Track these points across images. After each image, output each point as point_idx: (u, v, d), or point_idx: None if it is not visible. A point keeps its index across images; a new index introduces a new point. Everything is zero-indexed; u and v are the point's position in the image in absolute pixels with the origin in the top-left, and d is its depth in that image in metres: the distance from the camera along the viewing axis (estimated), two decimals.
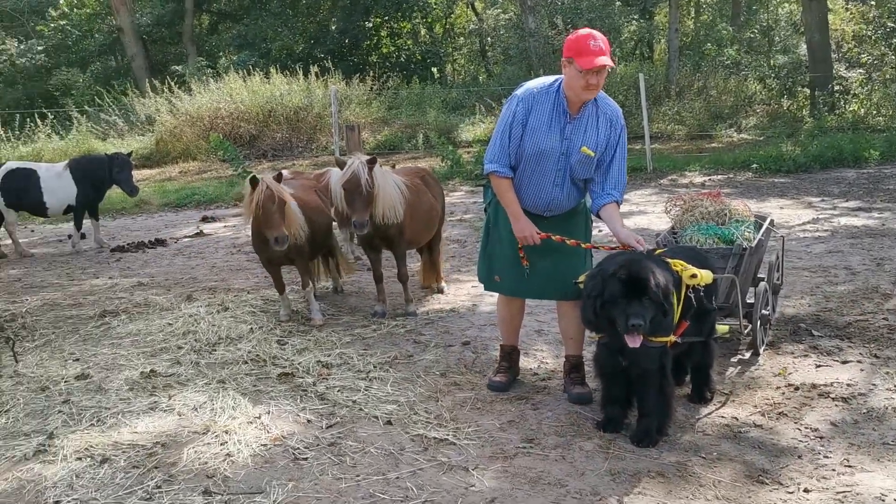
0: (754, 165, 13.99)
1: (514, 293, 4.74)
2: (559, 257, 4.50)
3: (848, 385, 4.66)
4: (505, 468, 3.84)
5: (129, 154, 10.86)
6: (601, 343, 4.21)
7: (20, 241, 10.39)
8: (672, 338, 4.06)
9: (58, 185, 9.96)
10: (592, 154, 4.34)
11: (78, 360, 5.64)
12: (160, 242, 10.46)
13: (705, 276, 4.17)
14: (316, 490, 3.70)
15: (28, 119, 20.31)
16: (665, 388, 4.06)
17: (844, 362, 5.01)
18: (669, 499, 3.51)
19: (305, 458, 4.02)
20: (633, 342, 3.82)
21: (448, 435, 4.21)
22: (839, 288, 6.61)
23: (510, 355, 4.96)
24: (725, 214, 5.43)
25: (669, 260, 4.19)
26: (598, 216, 4.48)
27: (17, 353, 5.70)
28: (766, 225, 5.47)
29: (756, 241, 5.14)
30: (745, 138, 18.26)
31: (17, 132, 20.12)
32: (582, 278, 4.27)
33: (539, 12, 24.19)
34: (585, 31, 4.25)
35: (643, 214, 10.45)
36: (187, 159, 19.59)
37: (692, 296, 4.17)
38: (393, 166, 7.16)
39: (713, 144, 17.76)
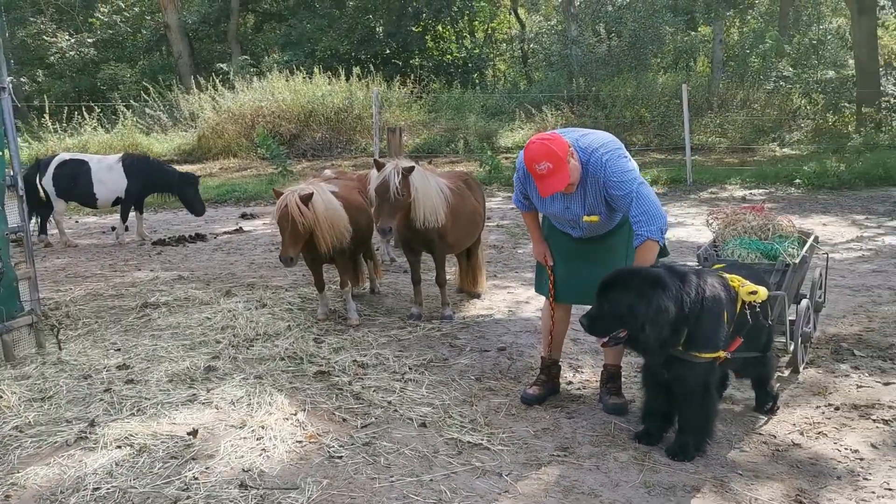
0: (797, 181, 13.79)
1: (559, 298, 4.74)
2: (604, 265, 4.49)
3: (889, 407, 4.56)
4: (539, 475, 3.84)
5: (198, 178, 11.05)
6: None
7: (66, 231, 10.60)
8: (722, 353, 4.01)
9: (108, 178, 10.16)
10: (597, 218, 4.34)
11: (119, 350, 5.75)
12: (200, 237, 10.62)
13: (762, 292, 4.13)
14: (350, 489, 3.73)
15: (76, 112, 20.73)
16: (706, 404, 4.01)
17: (887, 384, 4.91)
18: None
19: (340, 457, 4.05)
20: (598, 342, 3.96)
21: (482, 440, 4.21)
22: (882, 308, 6.49)
23: (550, 369, 4.88)
24: (769, 229, 5.36)
25: (727, 276, 4.15)
26: None
27: (60, 341, 5.82)
28: (810, 241, 5.38)
29: (800, 258, 5.06)
30: (788, 153, 18.00)
31: (65, 124, 20.56)
32: None
33: (583, 20, 24.12)
34: (536, 145, 4.08)
35: (682, 227, 10.35)
36: (228, 156, 19.85)
37: (748, 312, 4.12)
38: (430, 162, 7.15)
39: (756, 158, 17.53)
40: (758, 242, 5.26)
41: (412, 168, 5.82)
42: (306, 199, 5.70)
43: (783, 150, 18.42)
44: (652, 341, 3.78)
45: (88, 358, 5.55)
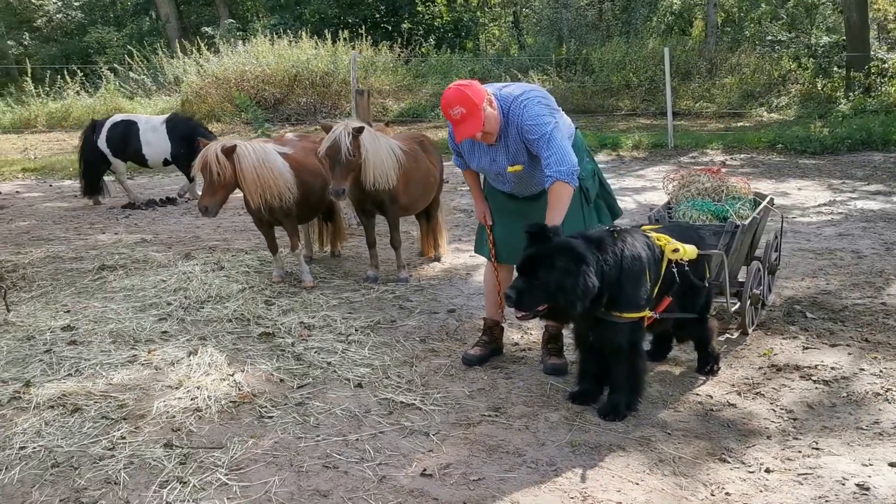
0: (779, 145, 13.67)
1: (501, 259, 4.70)
2: None
3: (832, 368, 4.54)
4: (466, 435, 3.82)
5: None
6: None
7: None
8: (648, 313, 3.98)
9: (154, 138, 10.21)
10: (521, 168, 4.30)
11: (68, 311, 5.71)
12: (170, 201, 10.54)
13: (689, 251, 4.08)
14: (274, 448, 3.72)
15: (59, 76, 20.53)
16: (636, 364, 3.98)
17: (833, 345, 4.88)
18: (625, 472, 3.46)
19: (271, 417, 4.03)
20: (516, 314, 3.85)
21: (415, 400, 4.19)
22: (842, 271, 6.44)
23: (492, 330, 4.85)
24: (722, 191, 5.31)
25: (653, 234, 4.10)
26: None
27: (10, 303, 5.79)
28: (764, 203, 5.32)
29: (750, 220, 5.00)
30: (775, 118, 17.83)
31: (48, 88, 20.36)
32: None
33: None
34: (451, 90, 4.10)
35: (655, 190, 10.26)
36: (211, 121, 19.60)
37: (675, 270, 4.07)
38: (387, 124, 7.05)
39: (742, 123, 17.36)
40: (709, 204, 5.21)
41: (362, 128, 5.72)
42: (228, 151, 5.70)
43: (770, 115, 18.25)
44: (576, 314, 3.74)
45: (36, 319, 5.52)
